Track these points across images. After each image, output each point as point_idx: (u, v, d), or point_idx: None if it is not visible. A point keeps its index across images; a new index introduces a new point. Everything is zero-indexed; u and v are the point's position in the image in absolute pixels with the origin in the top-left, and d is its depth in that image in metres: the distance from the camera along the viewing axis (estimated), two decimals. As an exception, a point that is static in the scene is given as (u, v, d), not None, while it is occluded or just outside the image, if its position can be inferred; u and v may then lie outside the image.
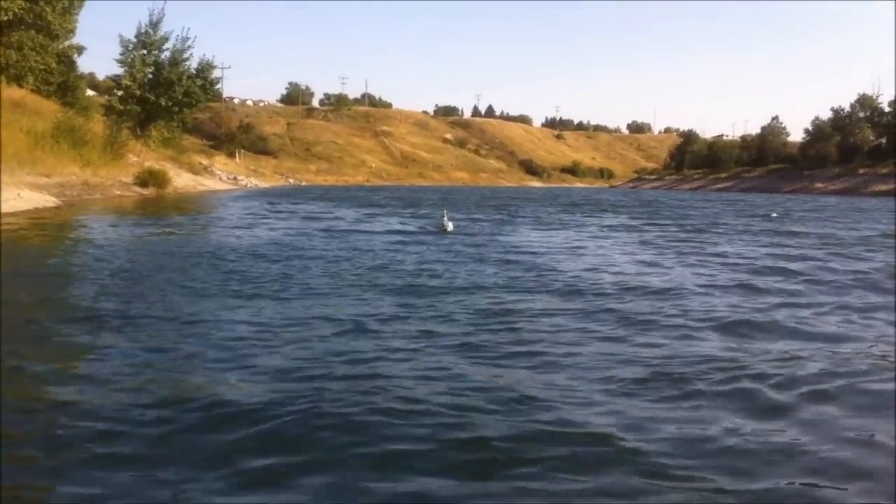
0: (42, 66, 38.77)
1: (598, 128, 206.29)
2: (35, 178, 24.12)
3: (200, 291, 7.71)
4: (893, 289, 8.73)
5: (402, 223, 20.37)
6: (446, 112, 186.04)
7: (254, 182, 68.58)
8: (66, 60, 43.77)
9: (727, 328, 6.32)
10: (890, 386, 4.61)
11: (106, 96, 56.73)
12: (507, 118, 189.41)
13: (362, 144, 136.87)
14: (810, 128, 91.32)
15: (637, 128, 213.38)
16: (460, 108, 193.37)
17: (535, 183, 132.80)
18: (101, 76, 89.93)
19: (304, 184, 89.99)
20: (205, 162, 63.59)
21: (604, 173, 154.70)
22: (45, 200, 21.89)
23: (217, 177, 58.93)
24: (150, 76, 45.56)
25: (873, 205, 40.32)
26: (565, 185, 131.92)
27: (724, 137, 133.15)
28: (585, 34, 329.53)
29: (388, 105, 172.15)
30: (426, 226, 18.79)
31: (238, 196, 41.11)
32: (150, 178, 34.55)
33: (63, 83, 42.54)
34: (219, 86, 58.49)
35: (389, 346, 5.41)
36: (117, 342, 5.40)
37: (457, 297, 7.67)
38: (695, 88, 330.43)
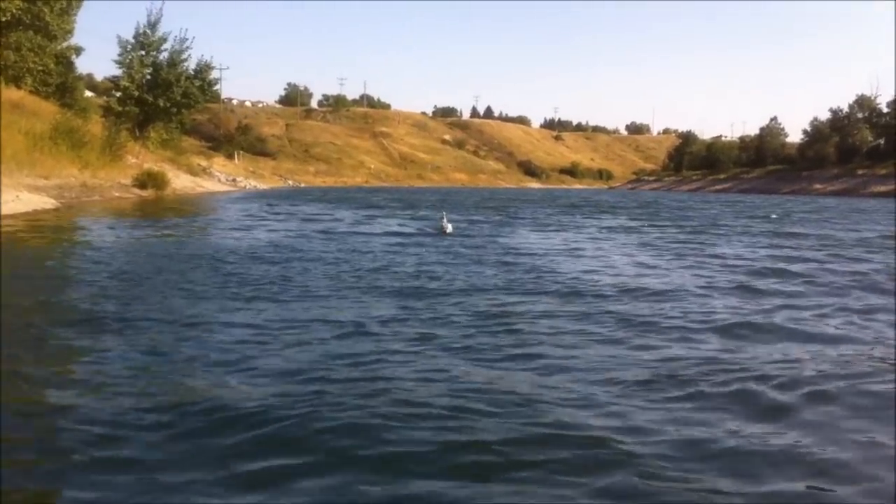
0: (40, 67, 38.75)
1: (596, 129, 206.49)
2: (34, 180, 24.09)
3: (199, 294, 7.70)
4: (893, 290, 8.71)
5: (400, 225, 20.36)
6: (445, 113, 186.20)
7: (252, 183, 68.59)
8: (65, 61, 43.73)
9: (727, 330, 6.31)
10: (891, 388, 4.60)
11: (104, 97, 56.68)
12: (505, 119, 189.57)
13: (361, 145, 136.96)
14: (808, 129, 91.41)
15: (636, 129, 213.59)
16: (459, 109, 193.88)
17: (534, 184, 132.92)
18: (99, 77, 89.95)
19: (302, 185, 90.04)
20: (203, 163, 63.60)
21: (602, 174, 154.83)
22: (44, 202, 21.87)
23: (216, 178, 58.94)
24: (149, 77, 45.56)
25: (872, 206, 40.35)
26: (564, 186, 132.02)
27: (723, 138, 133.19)
28: (584, 34, 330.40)
29: (387, 106, 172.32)
30: (425, 227, 18.78)
31: (237, 198, 41.11)
32: (148, 180, 34.55)
33: (61, 84, 42.50)
34: (217, 87, 58.51)
35: (389, 349, 5.40)
36: (116, 345, 5.39)
37: (456, 299, 7.67)
38: (693, 89, 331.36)
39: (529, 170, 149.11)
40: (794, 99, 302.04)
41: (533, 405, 4.13)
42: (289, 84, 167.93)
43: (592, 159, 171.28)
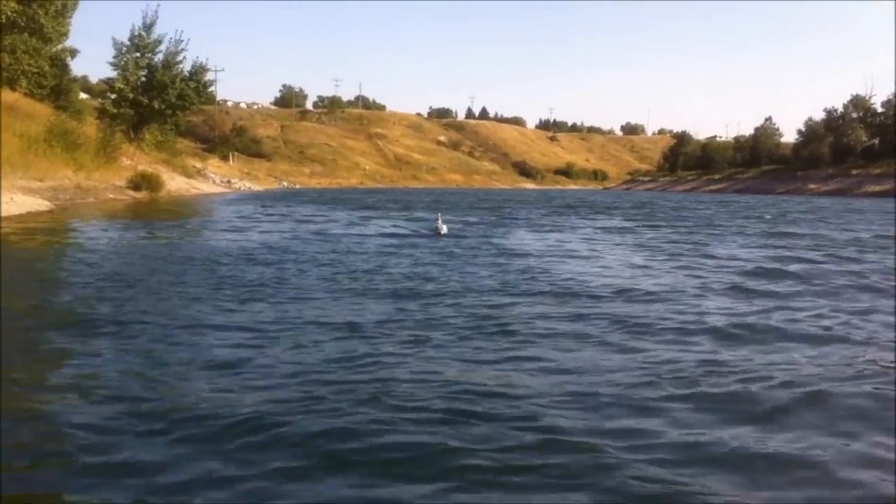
0: (35, 70, 38.72)
1: (591, 129, 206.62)
2: (28, 182, 24.03)
3: (194, 296, 7.68)
4: (893, 291, 8.69)
5: (396, 226, 20.35)
6: (440, 114, 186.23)
7: (247, 185, 68.47)
8: (59, 64, 43.71)
9: (722, 332, 6.31)
10: (889, 389, 4.59)
11: (99, 99, 56.73)
12: (500, 120, 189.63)
13: (356, 147, 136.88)
14: (803, 129, 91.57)
15: (630, 129, 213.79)
16: (454, 110, 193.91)
17: (529, 185, 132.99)
18: (94, 79, 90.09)
19: (297, 186, 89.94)
20: (198, 165, 63.45)
21: (597, 175, 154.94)
22: (38, 204, 21.82)
23: (210, 180, 58.80)
24: (144, 79, 45.60)
25: (867, 206, 40.42)
26: (559, 186, 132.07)
27: (718, 139, 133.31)
28: (579, 35, 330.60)
29: (382, 107, 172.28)
30: (420, 229, 18.78)
31: (232, 199, 41.05)
32: (143, 182, 34.50)
33: (56, 86, 42.46)
34: (212, 88, 58.65)
35: (384, 351, 5.39)
36: (110, 348, 5.37)
37: (451, 301, 7.67)
38: (688, 89, 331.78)
39: (524, 171, 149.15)
40: (789, 99, 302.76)
41: (528, 408, 4.12)
42: (284, 85, 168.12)
43: (587, 160, 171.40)
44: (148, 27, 45.89)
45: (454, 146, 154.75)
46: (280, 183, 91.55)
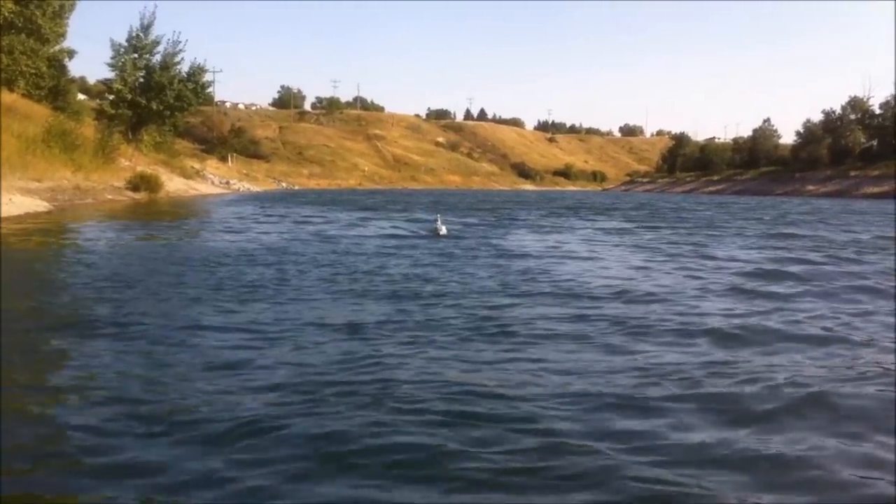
0: (33, 71, 38.72)
1: (590, 130, 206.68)
2: (26, 183, 24.02)
3: (193, 297, 7.66)
4: (893, 292, 8.67)
5: (395, 227, 20.34)
6: (439, 115, 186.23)
7: (246, 186, 68.51)
8: (57, 64, 43.75)
9: (723, 333, 6.29)
10: (890, 391, 4.58)
11: (97, 100, 56.78)
12: (499, 121, 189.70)
13: (354, 148, 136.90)
14: (801, 130, 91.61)
15: (629, 130, 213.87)
16: (453, 112, 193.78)
17: (528, 186, 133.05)
18: (92, 80, 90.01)
19: (296, 188, 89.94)
20: (197, 166, 63.50)
21: (596, 176, 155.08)
22: (37, 205, 21.81)
23: (209, 181, 58.84)
24: (142, 80, 45.62)
25: (865, 207, 40.44)
26: (558, 188, 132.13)
27: (716, 140, 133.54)
28: (577, 36, 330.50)
29: (381, 108, 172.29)
30: (420, 230, 18.77)
31: (230, 200, 41.04)
32: (141, 183, 34.51)
33: (54, 87, 42.48)
34: (210, 89, 58.60)
35: (385, 353, 5.37)
36: (109, 350, 5.35)
37: (450, 302, 7.65)
38: (687, 91, 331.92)
39: (523, 172, 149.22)
40: (787, 100, 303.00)
41: (528, 409, 4.11)
42: (282, 86, 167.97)
43: (586, 161, 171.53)
44: (146, 28, 45.94)
45: (453, 147, 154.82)
46: (279, 184, 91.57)
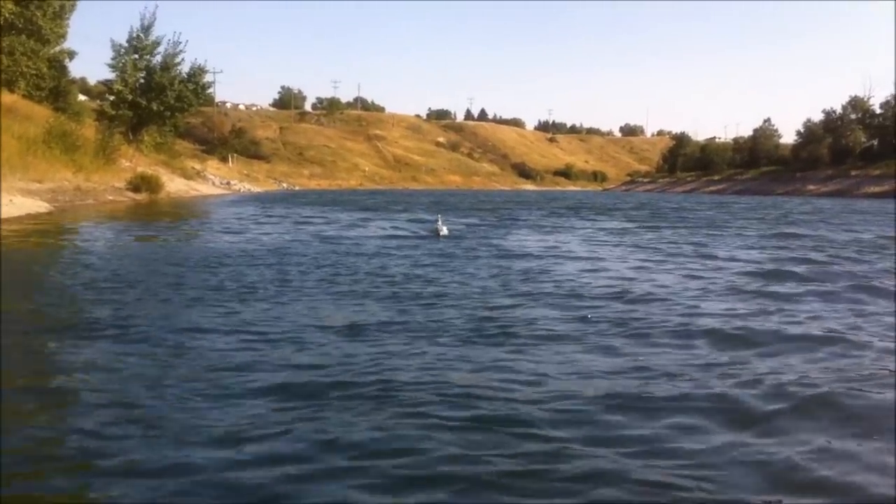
0: (33, 71, 38.76)
1: (590, 130, 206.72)
2: (27, 184, 24.04)
3: (194, 298, 7.65)
4: (893, 293, 8.64)
5: (396, 228, 20.34)
6: (439, 115, 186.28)
7: (247, 187, 68.53)
8: (58, 65, 43.82)
9: (725, 334, 6.27)
10: (890, 394, 4.56)
11: (98, 101, 56.81)
12: (500, 121, 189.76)
13: (355, 148, 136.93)
14: (802, 130, 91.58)
15: (630, 130, 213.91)
16: (453, 112, 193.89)
17: (529, 186, 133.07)
18: (92, 81, 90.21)
19: (297, 188, 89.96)
20: (197, 167, 63.53)
21: (597, 176, 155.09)
22: (38, 206, 21.82)
23: (210, 181, 58.86)
24: (142, 81, 45.65)
25: (866, 207, 40.41)
26: (559, 188, 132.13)
27: (717, 140, 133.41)
28: (578, 36, 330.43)
29: (381, 109, 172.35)
30: (420, 230, 18.76)
31: (231, 201, 41.04)
32: (142, 183, 34.53)
33: (54, 88, 42.52)
34: (211, 90, 58.69)
35: (385, 354, 5.36)
36: (110, 352, 5.33)
37: (452, 303, 7.64)
38: (687, 91, 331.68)
39: (524, 172, 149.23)
40: (788, 100, 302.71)
41: (529, 412, 4.10)
42: (283, 87, 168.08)
43: (587, 161, 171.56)
44: (146, 29, 45.96)
45: (453, 147, 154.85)
46: (279, 184, 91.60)
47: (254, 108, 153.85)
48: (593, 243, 16.02)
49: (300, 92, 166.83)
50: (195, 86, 47.35)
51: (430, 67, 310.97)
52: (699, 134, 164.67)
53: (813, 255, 13.11)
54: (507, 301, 7.91)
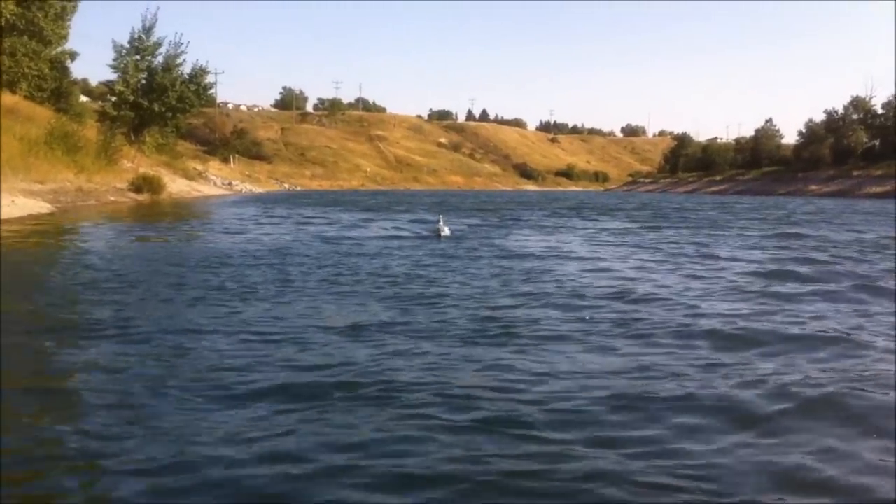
0: (35, 72, 38.77)
1: (592, 131, 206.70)
2: (29, 185, 24.05)
3: (196, 299, 7.64)
4: (895, 293, 8.62)
5: (397, 228, 20.33)
6: (441, 116, 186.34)
7: (248, 187, 68.58)
8: (59, 66, 43.83)
9: (725, 335, 6.25)
10: (891, 395, 4.55)
11: (99, 102, 56.74)
12: (501, 122, 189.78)
13: (357, 149, 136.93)
14: (804, 130, 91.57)
15: (631, 131, 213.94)
16: (455, 112, 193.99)
17: (530, 186, 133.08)
18: (94, 82, 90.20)
19: (298, 189, 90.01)
20: (199, 167, 63.58)
21: (598, 176, 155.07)
22: (40, 207, 21.82)
23: (212, 182, 58.92)
24: (144, 81, 45.65)
25: (868, 207, 40.37)
26: (560, 188, 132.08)
27: (718, 140, 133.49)
28: (579, 37, 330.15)
29: (383, 109, 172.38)
30: (422, 230, 18.76)
31: (233, 201, 41.06)
32: (144, 184, 34.56)
33: (56, 89, 42.53)
34: (212, 91, 58.72)
35: (387, 355, 5.36)
36: (111, 353, 5.33)
37: (453, 303, 7.64)
38: (689, 91, 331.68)
39: (525, 172, 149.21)
40: (789, 100, 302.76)
41: (530, 414, 4.10)
42: (284, 88, 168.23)
43: (588, 161, 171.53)
44: (148, 29, 45.95)
45: (455, 148, 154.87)
46: (281, 185, 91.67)
47: (255, 109, 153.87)
48: (595, 243, 16.01)
49: (302, 92, 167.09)
50: (197, 86, 47.35)
51: (431, 68, 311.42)
52: (701, 134, 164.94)
53: (815, 255, 13.08)
54: (509, 301, 7.90)
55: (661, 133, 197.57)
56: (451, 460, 3.41)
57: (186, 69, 46.95)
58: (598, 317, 6.96)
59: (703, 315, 7.14)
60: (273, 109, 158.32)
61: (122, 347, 5.49)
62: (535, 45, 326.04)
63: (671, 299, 8.09)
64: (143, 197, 33.45)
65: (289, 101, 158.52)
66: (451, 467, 3.33)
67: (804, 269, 10.82)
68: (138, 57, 45.68)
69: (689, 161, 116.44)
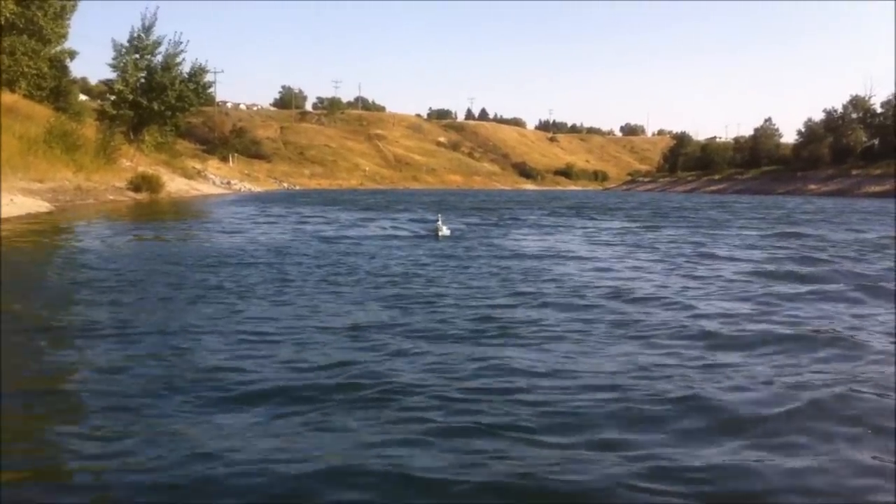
0: (34, 71, 38.75)
1: (591, 130, 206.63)
2: (28, 184, 24.04)
3: (194, 298, 7.64)
4: (894, 294, 8.61)
5: (396, 227, 20.33)
6: (440, 115, 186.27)
7: (247, 186, 68.52)
8: (59, 65, 43.79)
9: (723, 335, 6.24)
10: (890, 396, 4.55)
11: (98, 101, 56.81)
12: (500, 121, 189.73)
13: (356, 148, 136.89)
14: (803, 129, 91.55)
15: (630, 130, 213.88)
16: (454, 111, 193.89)
17: (529, 186, 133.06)
18: (93, 81, 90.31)
19: (297, 188, 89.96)
20: (198, 166, 63.54)
21: (597, 176, 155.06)
22: (38, 206, 21.81)
23: (210, 181, 58.87)
24: (143, 80, 45.63)
25: (867, 206, 40.37)
26: (559, 187, 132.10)
27: (718, 139, 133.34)
28: (579, 36, 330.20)
29: (382, 108, 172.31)
30: (421, 230, 18.75)
31: (232, 201, 41.04)
32: (143, 183, 34.56)
33: (55, 88, 42.51)
34: (211, 90, 58.64)
35: (386, 356, 5.35)
36: (110, 354, 5.32)
37: (452, 303, 7.63)
38: (688, 90, 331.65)
39: (524, 171, 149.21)
40: (789, 99, 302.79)
41: (530, 417, 4.09)
42: (283, 87, 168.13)
43: (587, 161, 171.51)
44: (147, 29, 45.95)
45: (454, 147, 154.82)
46: (280, 184, 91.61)
47: (254, 108, 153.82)
48: (594, 243, 16.02)
49: (301, 91, 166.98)
50: (196, 85, 47.33)
51: (430, 67, 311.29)
52: (700, 133, 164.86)
53: (814, 255, 13.08)
54: (508, 301, 7.90)
55: (660, 132, 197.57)
56: (450, 463, 3.41)
57: (186, 68, 47.02)
58: (598, 318, 6.95)
59: (702, 315, 7.14)
60: (272, 108, 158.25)
61: (120, 347, 5.48)
62: (535, 44, 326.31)
63: (670, 299, 8.09)
64: (142, 196, 33.44)
65: (288, 101, 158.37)
66: (451, 470, 3.32)
67: (803, 269, 10.83)
68: (137, 56, 45.67)
69: (688, 160, 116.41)
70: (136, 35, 45.71)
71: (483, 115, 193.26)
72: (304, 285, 8.77)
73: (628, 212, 33.02)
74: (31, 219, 18.93)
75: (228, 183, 64.12)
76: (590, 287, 8.93)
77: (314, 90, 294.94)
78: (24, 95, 37.35)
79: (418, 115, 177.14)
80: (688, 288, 9.05)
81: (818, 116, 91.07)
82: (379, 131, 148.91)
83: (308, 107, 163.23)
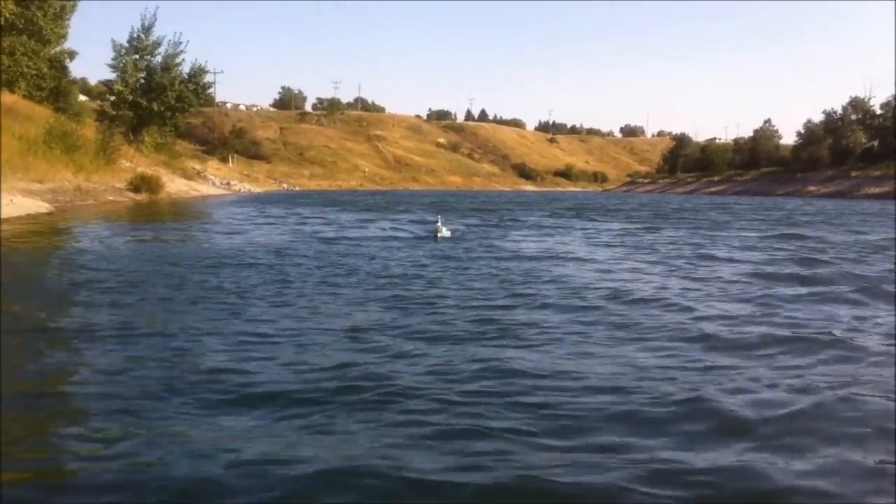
0: (34, 72, 38.75)
1: (591, 131, 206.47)
2: (27, 184, 24.06)
3: (193, 299, 7.63)
4: (894, 296, 8.60)
5: (396, 228, 20.33)
6: (440, 116, 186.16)
7: (247, 187, 68.57)
8: (58, 65, 43.81)
9: (722, 337, 6.23)
10: (890, 398, 4.54)
11: (98, 101, 56.77)
12: (500, 122, 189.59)
13: (355, 149, 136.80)
14: (802, 130, 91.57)
15: (630, 131, 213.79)
16: (453, 113, 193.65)
17: (529, 187, 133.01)
18: (93, 81, 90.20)
19: (297, 189, 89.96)
20: (198, 167, 63.59)
21: (597, 177, 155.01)
22: (38, 206, 21.82)
23: (210, 182, 58.92)
24: (143, 81, 45.58)
25: (867, 208, 40.38)
26: (559, 188, 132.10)
27: (717, 141, 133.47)
28: (578, 37, 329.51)
29: (381, 109, 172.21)
30: (421, 231, 18.75)
31: (231, 201, 41.06)
32: (142, 184, 34.59)
33: (55, 88, 42.52)
34: (211, 90, 58.63)
35: (386, 358, 5.35)
36: (110, 354, 5.32)
37: (452, 304, 7.64)
38: (687, 91, 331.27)
39: (524, 172, 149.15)
40: (788, 101, 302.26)
41: (530, 419, 4.08)
42: (283, 87, 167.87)
43: (587, 162, 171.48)
44: (147, 29, 45.90)
45: (453, 148, 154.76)
46: (279, 185, 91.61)
47: (254, 109, 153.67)
48: (594, 244, 16.02)
49: (300, 92, 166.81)
50: (195, 86, 47.29)
51: (430, 68, 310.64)
52: (699, 135, 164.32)
53: (814, 257, 13.07)
54: (508, 302, 7.90)
55: (660, 133, 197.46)
56: (451, 465, 3.40)
57: (185, 69, 46.94)
58: (598, 320, 6.94)
59: (702, 317, 7.13)
60: (272, 109, 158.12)
61: (120, 348, 5.48)
62: (534, 45, 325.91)
63: (670, 301, 8.08)
64: (142, 197, 33.46)
65: (287, 101, 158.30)
66: (452, 472, 3.32)
67: (803, 271, 10.82)
68: (137, 56, 45.62)
69: (687, 161, 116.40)
70: (135, 35, 45.67)
71: (483, 115, 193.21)
72: (304, 286, 8.76)
73: (628, 213, 33.02)
74: (30, 219, 18.94)
75: (228, 184, 64.16)
76: (590, 288, 8.93)
77: (314, 91, 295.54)
78: (24, 96, 37.37)
79: (418, 116, 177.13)
80: (688, 289, 9.04)
81: (818, 118, 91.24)
82: (378, 132, 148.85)
83: (308, 107, 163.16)
